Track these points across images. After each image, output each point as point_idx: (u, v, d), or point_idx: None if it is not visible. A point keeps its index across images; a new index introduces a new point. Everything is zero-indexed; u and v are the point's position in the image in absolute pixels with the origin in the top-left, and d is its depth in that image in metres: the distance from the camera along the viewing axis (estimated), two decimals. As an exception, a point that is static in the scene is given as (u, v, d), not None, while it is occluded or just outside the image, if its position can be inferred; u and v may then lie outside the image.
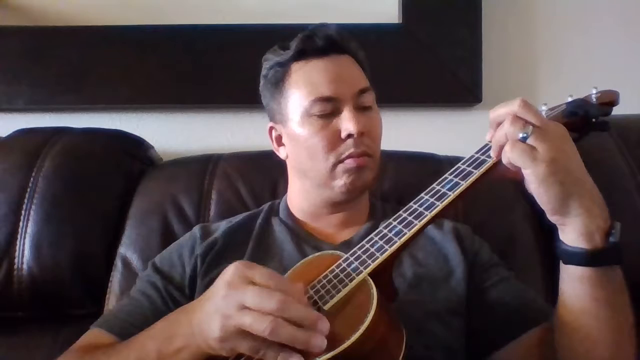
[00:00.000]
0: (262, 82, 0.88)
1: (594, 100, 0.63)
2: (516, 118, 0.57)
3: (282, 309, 0.51)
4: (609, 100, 0.64)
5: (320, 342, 0.51)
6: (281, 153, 0.89)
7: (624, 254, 0.57)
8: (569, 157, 0.56)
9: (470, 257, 0.81)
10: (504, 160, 0.57)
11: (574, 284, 0.58)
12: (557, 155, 0.55)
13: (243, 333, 0.52)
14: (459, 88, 1.29)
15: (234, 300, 0.53)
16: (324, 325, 0.52)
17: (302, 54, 0.81)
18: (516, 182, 0.59)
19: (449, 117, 1.33)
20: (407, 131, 1.30)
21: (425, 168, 1.09)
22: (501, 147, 0.58)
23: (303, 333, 0.51)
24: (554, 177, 0.54)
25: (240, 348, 0.53)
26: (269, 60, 0.85)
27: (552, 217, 0.58)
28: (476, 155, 0.63)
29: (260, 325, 0.50)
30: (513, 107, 0.58)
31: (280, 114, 0.84)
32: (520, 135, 0.56)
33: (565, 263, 0.59)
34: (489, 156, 0.61)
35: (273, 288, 0.53)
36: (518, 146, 0.55)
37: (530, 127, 0.56)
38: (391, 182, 1.08)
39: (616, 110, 0.70)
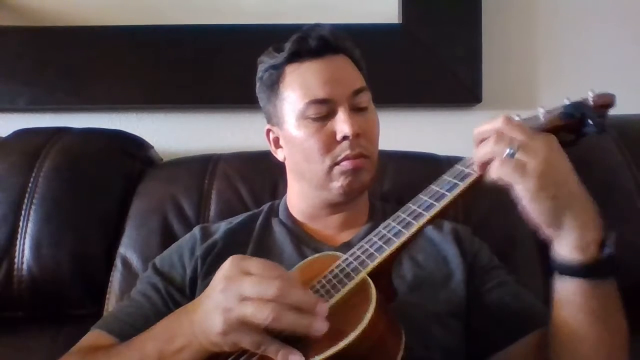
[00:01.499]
0: (257, 84, 0.87)
1: (591, 102, 0.64)
2: (501, 135, 0.56)
3: (282, 295, 0.52)
4: (605, 102, 0.64)
5: (322, 325, 0.52)
6: (279, 155, 0.89)
7: (622, 258, 0.56)
8: (559, 169, 0.55)
9: (469, 259, 0.81)
10: (494, 176, 0.56)
11: (568, 295, 0.58)
12: (546, 169, 0.54)
13: (245, 325, 0.52)
14: (459, 88, 1.29)
15: (233, 292, 0.53)
16: (322, 307, 0.53)
17: (295, 56, 0.81)
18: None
19: (449, 117, 1.33)
20: (407, 131, 1.30)
21: (425, 168, 1.08)
22: (484, 164, 0.58)
23: (304, 318, 0.52)
24: (546, 191, 0.54)
25: (243, 342, 0.53)
26: (264, 62, 0.85)
27: (546, 231, 0.57)
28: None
29: (262, 314, 0.51)
30: (496, 124, 0.57)
31: (276, 117, 0.84)
32: (507, 151, 0.55)
33: (560, 274, 0.58)
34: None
35: (270, 276, 0.54)
36: (506, 163, 0.54)
37: (516, 143, 0.55)
38: (391, 182, 1.08)
39: (616, 110, 0.70)
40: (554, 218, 0.55)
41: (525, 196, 0.54)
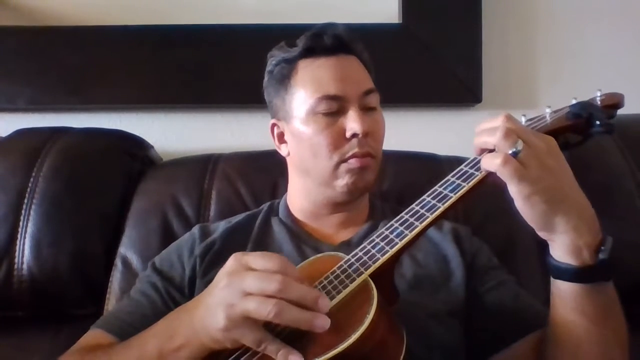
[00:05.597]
0: (266, 77, 0.87)
1: (598, 102, 0.63)
2: (509, 131, 0.56)
3: (283, 289, 0.52)
4: (613, 102, 0.63)
5: (324, 322, 0.52)
6: (283, 150, 0.88)
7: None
8: (557, 174, 0.56)
9: (468, 259, 0.81)
10: (491, 168, 0.56)
11: (564, 299, 0.59)
12: (543, 174, 0.54)
13: (248, 321, 0.52)
14: (459, 88, 1.29)
15: (235, 288, 0.54)
16: (324, 302, 0.53)
17: (310, 52, 0.81)
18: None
19: (449, 117, 1.33)
20: (407, 131, 1.30)
21: (425, 168, 1.09)
22: (482, 150, 0.59)
23: (306, 314, 0.52)
24: (539, 196, 0.54)
25: (245, 338, 0.54)
26: (276, 56, 0.85)
27: (539, 233, 0.58)
28: (479, 157, 0.63)
29: (264, 309, 0.51)
30: (502, 121, 0.57)
31: (284, 111, 0.84)
32: (511, 150, 0.55)
33: (555, 278, 0.59)
34: None
35: (272, 270, 0.54)
36: (510, 162, 0.54)
37: (521, 142, 0.55)
38: (391, 182, 1.08)
39: (616, 110, 0.70)
40: (546, 222, 0.56)
41: (519, 199, 0.55)
